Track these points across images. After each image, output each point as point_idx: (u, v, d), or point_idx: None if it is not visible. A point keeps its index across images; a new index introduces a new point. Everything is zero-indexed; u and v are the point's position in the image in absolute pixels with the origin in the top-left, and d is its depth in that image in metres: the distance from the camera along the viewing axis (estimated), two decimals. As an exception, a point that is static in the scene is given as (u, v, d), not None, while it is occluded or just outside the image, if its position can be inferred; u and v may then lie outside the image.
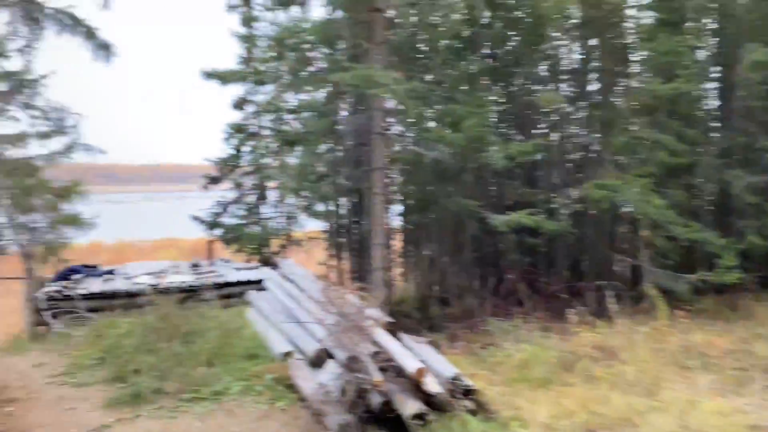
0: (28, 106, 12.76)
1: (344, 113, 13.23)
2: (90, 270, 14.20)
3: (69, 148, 18.63)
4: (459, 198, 12.45)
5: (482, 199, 13.09)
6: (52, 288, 11.73)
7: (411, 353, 6.75)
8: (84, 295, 11.36)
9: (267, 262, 19.70)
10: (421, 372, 6.14)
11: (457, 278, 14.24)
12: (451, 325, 12.49)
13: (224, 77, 18.83)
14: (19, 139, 18.21)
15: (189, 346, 8.91)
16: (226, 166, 19.67)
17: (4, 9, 6.86)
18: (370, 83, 7.16)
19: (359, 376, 6.21)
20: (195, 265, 14.51)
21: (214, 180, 19.86)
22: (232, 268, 14.78)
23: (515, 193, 13.98)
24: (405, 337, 7.61)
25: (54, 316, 11.01)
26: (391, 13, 10.39)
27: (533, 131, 15.22)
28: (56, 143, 18.34)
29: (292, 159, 14.68)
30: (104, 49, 7.39)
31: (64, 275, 13.63)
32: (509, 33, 14.30)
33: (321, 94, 13.35)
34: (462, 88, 12.62)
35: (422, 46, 12.01)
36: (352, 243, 14.73)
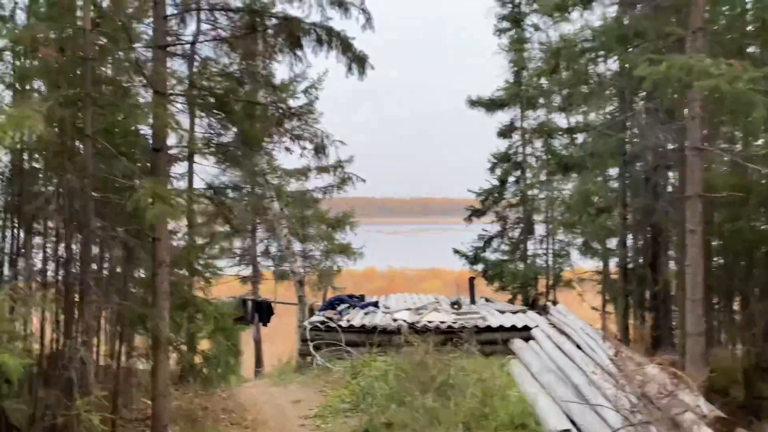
0: (298, 137, 13.19)
1: (635, 130, 11.01)
2: (355, 300, 14.20)
3: (343, 182, 19.62)
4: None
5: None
6: (316, 318, 11.76)
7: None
8: (344, 327, 11.10)
9: (533, 304, 17.96)
10: None
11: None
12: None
13: (490, 104, 17.90)
14: (301, 173, 19.76)
15: (445, 402, 7.73)
16: (490, 198, 18.58)
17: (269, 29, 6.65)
18: (695, 75, 5.29)
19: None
20: (455, 304, 13.54)
21: (477, 212, 18.91)
22: (495, 309, 13.44)
23: None
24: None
25: (316, 348, 10.93)
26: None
27: None
28: (331, 177, 19.52)
29: (566, 188, 12.78)
30: (359, 62, 6.75)
31: (331, 304, 13.79)
32: None
33: (605, 109, 11.34)
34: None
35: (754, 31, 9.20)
36: (643, 292, 12.07)
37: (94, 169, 5.57)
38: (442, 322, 11.36)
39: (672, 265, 10.84)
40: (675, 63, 5.60)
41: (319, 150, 7.87)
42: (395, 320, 11.54)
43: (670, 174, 10.27)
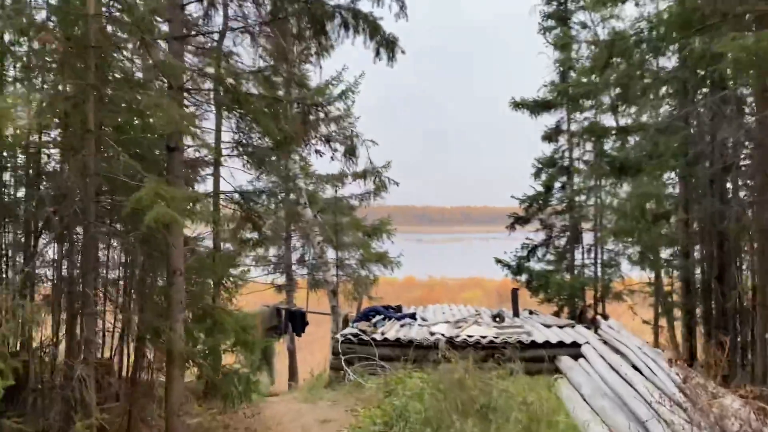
0: (328, 140, 12.61)
1: (698, 127, 9.92)
2: (391, 311, 13.52)
3: (379, 188, 19.01)
4: None
5: None
6: (348, 330, 11.12)
7: None
8: (378, 341, 10.43)
9: (580, 317, 16.94)
10: None
11: None
12: None
13: (534, 106, 17.03)
14: (337, 179, 19.24)
15: (486, 428, 6.97)
16: (534, 205, 17.66)
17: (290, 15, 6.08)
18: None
19: None
20: (497, 317, 12.72)
21: (521, 220, 18.00)
22: (539, 323, 12.55)
23: None
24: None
25: (349, 362, 10.29)
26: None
27: None
28: (367, 183, 18.94)
29: (618, 194, 11.78)
30: (389, 46, 6.11)
31: (366, 314, 13.14)
32: None
33: (662, 107, 10.35)
34: None
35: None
36: (709, 307, 10.85)
37: (96, 168, 5.08)
38: (483, 337, 10.57)
39: (744, 276, 9.76)
40: (765, 36, 4.75)
41: (349, 152, 7.25)
42: (432, 334, 10.80)
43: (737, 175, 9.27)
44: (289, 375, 17.20)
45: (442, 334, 10.69)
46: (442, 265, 51.11)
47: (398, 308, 14.99)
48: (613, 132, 11.81)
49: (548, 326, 12.08)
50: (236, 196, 9.78)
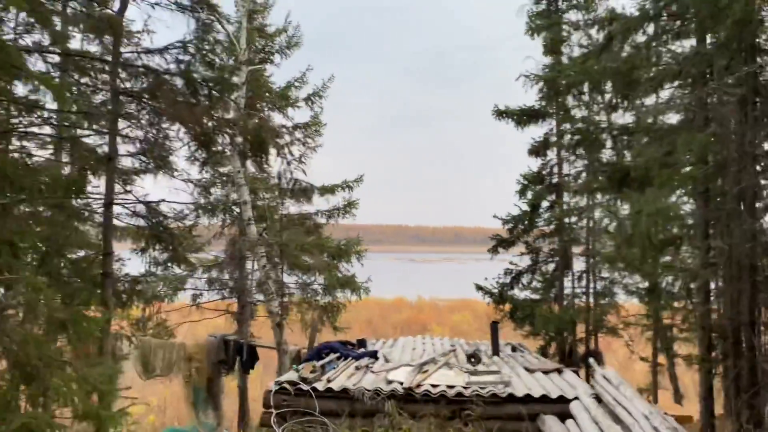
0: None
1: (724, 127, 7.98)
2: (349, 349, 11.52)
3: (349, 204, 17.10)
4: None
5: None
6: (286, 377, 9.08)
7: None
8: (319, 391, 8.44)
9: (569, 354, 15.01)
10: None
11: None
12: None
13: (520, 115, 15.24)
14: (305, 194, 17.31)
15: None
16: (519, 226, 15.77)
17: None
18: None
19: None
20: (472, 357, 10.75)
21: (504, 243, 16.09)
22: (522, 366, 10.58)
23: None
24: None
25: (281, 417, 8.28)
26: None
27: None
28: (338, 199, 17.02)
29: (617, 212, 9.90)
30: None
31: (318, 352, 11.14)
32: None
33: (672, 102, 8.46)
34: None
35: None
36: (735, 362, 8.51)
37: None
38: (450, 387, 8.59)
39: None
40: None
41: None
42: (390, 382, 8.82)
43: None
44: (240, 416, 15.09)
45: (401, 383, 8.71)
46: (433, 286, 49.92)
47: (361, 342, 13.00)
48: (614, 132, 9.77)
49: (531, 371, 10.11)
50: (140, 207, 7.83)
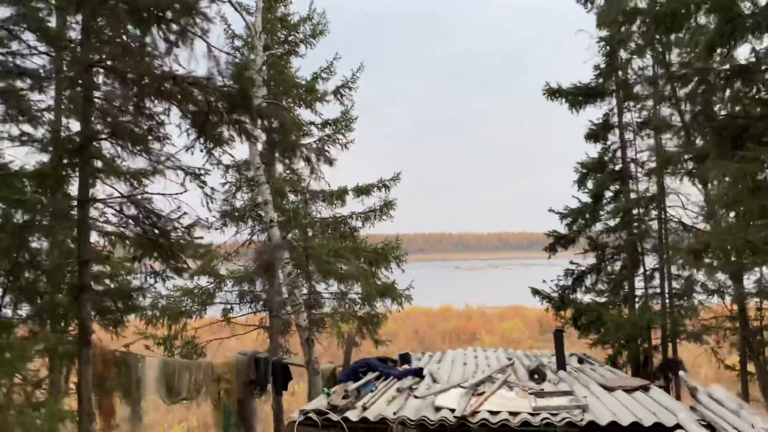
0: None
1: None
2: (389, 367, 9.96)
3: (386, 205, 15.59)
4: None
5: None
6: (314, 405, 7.57)
7: None
8: (352, 423, 6.91)
9: (645, 363, 13.08)
10: None
11: None
12: None
13: (576, 94, 13.48)
14: (337, 196, 15.87)
15: None
16: (579, 221, 13.95)
17: None
18: None
19: None
20: (536, 373, 9.06)
21: (562, 240, 14.29)
22: (597, 382, 8.81)
23: None
24: None
25: (309, 455, 6.82)
26: None
27: None
28: (374, 200, 15.54)
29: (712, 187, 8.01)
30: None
31: (354, 371, 9.61)
32: None
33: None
34: None
35: None
36: None
37: None
38: (513, 414, 6.94)
39: None
40: None
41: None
42: (438, 408, 7.21)
43: None
44: (275, 440, 13.70)
45: (452, 410, 7.09)
46: (480, 294, 48.67)
47: (405, 358, 11.39)
48: (725, 74, 7.65)
49: (610, 389, 8.34)
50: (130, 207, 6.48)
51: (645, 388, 8.29)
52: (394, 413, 7.09)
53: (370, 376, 9.40)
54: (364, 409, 7.35)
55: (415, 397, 7.46)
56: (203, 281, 14.57)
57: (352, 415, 7.07)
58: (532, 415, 6.90)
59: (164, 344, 14.45)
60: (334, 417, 7.00)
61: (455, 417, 6.80)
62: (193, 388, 13.15)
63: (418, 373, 9.56)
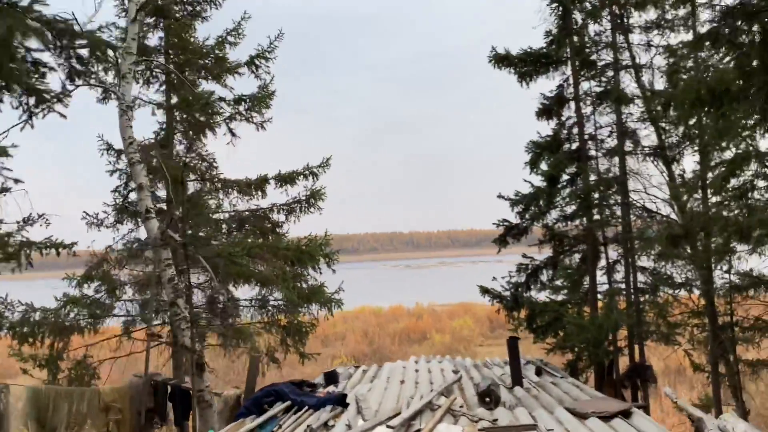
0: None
1: None
2: (304, 394, 7.87)
3: (313, 195, 13.46)
4: None
5: None
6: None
7: None
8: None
9: (607, 372, 11.43)
10: None
11: None
12: None
13: (525, 61, 11.69)
14: (256, 185, 13.64)
15: None
16: (533, 208, 12.18)
17: None
18: None
19: None
20: (487, 395, 7.14)
21: (513, 231, 12.48)
22: (563, 406, 6.96)
23: None
24: None
25: None
26: None
27: None
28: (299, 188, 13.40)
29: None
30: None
31: (258, 402, 7.47)
32: None
33: None
34: None
35: None
36: None
37: None
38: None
39: None
40: None
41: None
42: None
43: None
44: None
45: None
46: (431, 292, 47.76)
47: (331, 377, 9.36)
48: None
49: (582, 416, 6.48)
50: None
51: (625, 414, 6.47)
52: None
53: (279, 406, 7.30)
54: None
55: (345, 426, 5.36)
56: (91, 289, 12.15)
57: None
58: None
59: (47, 366, 11.93)
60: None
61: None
62: (73, 422, 10.75)
63: (341, 402, 7.49)
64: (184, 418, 10.32)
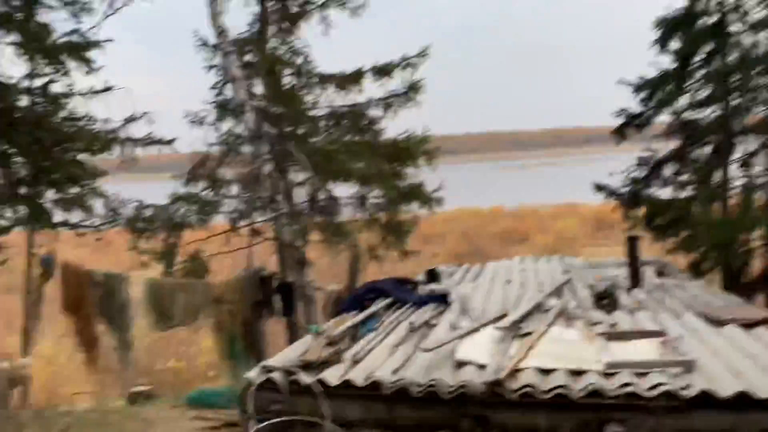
0: None
1: None
2: (405, 291, 7.62)
3: (412, 88, 12.73)
4: None
5: None
6: (280, 362, 5.27)
7: None
8: (333, 387, 4.65)
9: (737, 276, 10.35)
10: None
11: None
12: None
13: None
14: (353, 79, 13.05)
15: None
16: (659, 93, 10.79)
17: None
18: None
19: None
20: (604, 297, 6.53)
21: (635, 120, 11.22)
22: (694, 311, 6.24)
23: None
24: None
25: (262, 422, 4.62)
26: None
27: None
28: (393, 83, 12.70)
29: None
30: None
31: (360, 298, 7.32)
32: None
33: None
34: None
35: None
36: None
37: None
38: (576, 373, 4.49)
39: None
40: None
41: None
42: (460, 364, 4.82)
43: None
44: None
45: (481, 366, 4.70)
46: (533, 193, 45.76)
47: (432, 275, 8.98)
48: None
49: (719, 322, 5.75)
50: None
51: (770, 322, 5.66)
52: (394, 371, 4.75)
53: (380, 304, 7.10)
54: (355, 363, 5.05)
55: (426, 350, 5.05)
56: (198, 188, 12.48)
57: (333, 376, 4.77)
58: (604, 375, 4.44)
59: (163, 259, 12.62)
60: (305, 379, 4.73)
61: (485, 383, 4.39)
62: (188, 313, 11.38)
63: (444, 300, 7.19)
64: (291, 310, 10.59)
